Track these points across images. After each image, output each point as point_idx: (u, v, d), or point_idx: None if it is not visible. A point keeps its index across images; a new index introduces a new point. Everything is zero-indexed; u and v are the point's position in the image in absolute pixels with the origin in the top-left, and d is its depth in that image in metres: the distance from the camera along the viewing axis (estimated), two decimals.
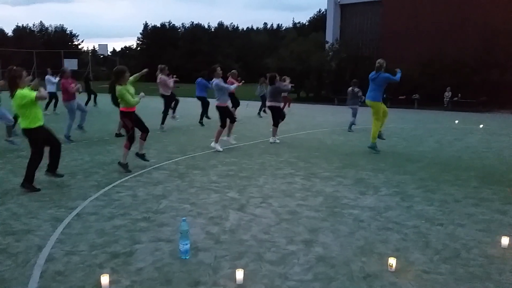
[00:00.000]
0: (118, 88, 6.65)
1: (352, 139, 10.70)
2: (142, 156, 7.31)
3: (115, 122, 13.59)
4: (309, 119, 15.98)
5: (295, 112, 18.41)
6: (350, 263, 3.54)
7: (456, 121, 15.48)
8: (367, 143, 9.95)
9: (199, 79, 13.17)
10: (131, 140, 6.86)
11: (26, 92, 5.47)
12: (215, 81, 8.80)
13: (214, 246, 3.88)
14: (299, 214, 4.78)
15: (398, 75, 8.45)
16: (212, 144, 8.80)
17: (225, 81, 9.83)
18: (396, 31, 24.88)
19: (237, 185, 6.05)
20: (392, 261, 3.42)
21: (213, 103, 9.69)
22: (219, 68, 8.94)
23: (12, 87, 5.51)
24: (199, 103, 13.34)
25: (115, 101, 9.22)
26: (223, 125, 8.82)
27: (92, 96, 19.23)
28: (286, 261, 3.57)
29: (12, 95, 5.52)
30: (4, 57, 43.32)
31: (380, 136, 8.96)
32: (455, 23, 22.98)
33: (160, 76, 11.53)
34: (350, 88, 12.43)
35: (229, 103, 9.34)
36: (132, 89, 6.86)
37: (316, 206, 5.10)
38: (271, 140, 10.03)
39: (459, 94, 22.03)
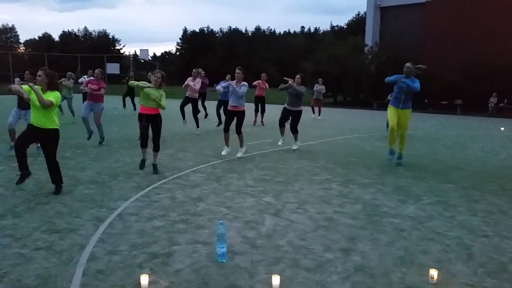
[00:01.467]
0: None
1: None
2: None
3: None
4: (346, 124, 15.77)
5: (331, 117, 18.19)
6: (389, 274, 3.45)
7: (502, 128, 14.83)
8: (407, 150, 9.70)
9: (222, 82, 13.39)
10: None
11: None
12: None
13: (250, 250, 3.89)
14: (337, 221, 4.72)
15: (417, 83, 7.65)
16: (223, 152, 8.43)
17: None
18: (439, 35, 24.18)
19: (273, 189, 6.05)
20: (434, 272, 3.31)
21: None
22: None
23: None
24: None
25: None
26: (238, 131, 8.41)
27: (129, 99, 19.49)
28: (323, 269, 3.52)
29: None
30: (51, 61, 45.36)
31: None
32: (501, 27, 22.08)
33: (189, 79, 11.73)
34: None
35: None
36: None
37: (354, 213, 5.01)
38: (293, 147, 9.57)
39: (505, 100, 21.12)
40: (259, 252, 3.85)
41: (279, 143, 9.69)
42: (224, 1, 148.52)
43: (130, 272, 3.41)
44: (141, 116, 6.90)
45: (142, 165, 6.98)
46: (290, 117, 9.51)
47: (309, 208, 5.19)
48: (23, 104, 8.02)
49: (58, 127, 5.73)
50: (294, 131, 9.49)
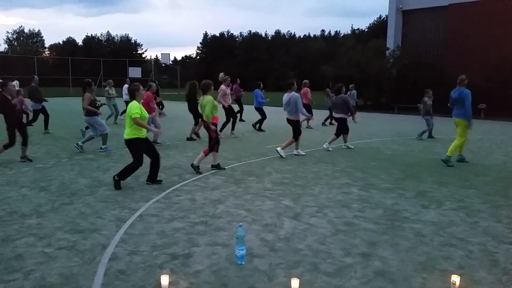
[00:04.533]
0: (208, 98, 7.32)
1: (414, 150, 10.31)
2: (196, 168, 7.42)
3: (175, 128, 14.08)
4: (366, 127, 15.61)
5: (351, 121, 18.04)
6: (410, 279, 3.40)
7: None
8: (429, 154, 9.57)
9: (257, 91, 13.69)
10: (212, 148, 7.42)
11: (135, 106, 6.06)
12: (295, 95, 8.88)
13: (269, 253, 3.89)
14: (357, 226, 4.68)
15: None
16: (278, 149, 8.95)
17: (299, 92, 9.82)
18: (462, 38, 23.74)
19: (291, 193, 6.04)
20: (456, 279, 3.24)
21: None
22: (295, 83, 9.10)
23: (131, 97, 6.23)
24: (256, 112, 13.75)
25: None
26: (295, 137, 9.06)
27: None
28: (343, 274, 3.50)
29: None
30: (74, 65, 46.36)
31: (462, 159, 8.63)
32: None
33: (221, 87, 12.14)
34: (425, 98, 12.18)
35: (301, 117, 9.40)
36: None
37: (375, 218, 4.96)
38: (324, 146, 10.06)
39: None
40: (278, 255, 3.85)
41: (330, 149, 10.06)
42: (244, 5, 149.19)
43: (150, 273, 3.46)
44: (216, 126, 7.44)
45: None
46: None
47: (329, 212, 5.17)
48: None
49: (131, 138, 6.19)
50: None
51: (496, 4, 22.80)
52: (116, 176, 6.11)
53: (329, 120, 16.40)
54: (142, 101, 6.37)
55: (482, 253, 3.95)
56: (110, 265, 3.60)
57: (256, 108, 13.78)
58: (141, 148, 6.18)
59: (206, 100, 7.28)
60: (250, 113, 16.88)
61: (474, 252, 3.98)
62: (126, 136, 6.11)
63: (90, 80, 9.48)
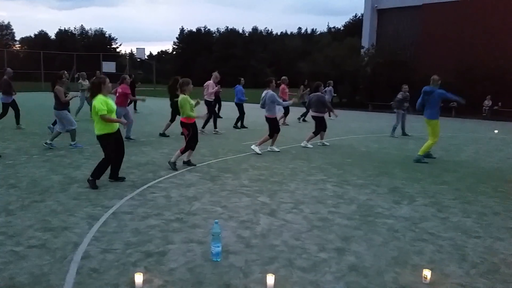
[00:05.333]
0: (182, 96, 7.15)
1: (387, 147, 10.50)
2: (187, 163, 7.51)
3: (151, 124, 13.91)
4: (342, 125, 15.80)
5: (326, 118, 18.22)
6: (383, 274, 3.47)
7: (496, 131, 14.92)
8: (402, 151, 9.76)
9: (238, 86, 13.64)
10: (187, 147, 7.34)
11: (101, 102, 5.86)
12: (269, 92, 8.92)
13: (245, 249, 3.89)
14: (331, 222, 4.73)
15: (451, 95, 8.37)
16: (253, 146, 9.00)
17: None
18: (435, 37, 24.28)
19: (268, 189, 6.05)
20: (427, 273, 3.32)
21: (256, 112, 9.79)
22: (274, 81, 9.18)
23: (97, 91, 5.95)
24: (235, 108, 13.72)
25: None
26: (271, 135, 9.10)
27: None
28: (318, 269, 3.53)
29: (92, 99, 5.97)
30: (47, 59, 45.15)
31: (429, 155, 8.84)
32: (497, 30, 22.21)
33: (210, 82, 12.18)
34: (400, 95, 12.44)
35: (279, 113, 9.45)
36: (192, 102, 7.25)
37: (349, 214, 5.03)
38: (302, 144, 10.10)
39: (500, 103, 21.23)
40: (253, 251, 3.86)
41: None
42: (222, 1, 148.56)
43: (124, 271, 3.41)
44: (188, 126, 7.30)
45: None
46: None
47: (304, 208, 5.21)
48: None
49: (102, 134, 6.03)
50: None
51: (468, 5, 23.41)
52: (90, 177, 5.95)
53: (302, 118, 16.48)
54: (108, 94, 6.10)
55: (452, 248, 4.05)
56: (82, 263, 3.53)
57: (237, 104, 13.72)
58: (112, 143, 6.03)
59: (184, 99, 7.10)
60: (228, 110, 16.84)
61: (444, 246, 4.08)
62: (96, 132, 5.95)
63: (64, 72, 9.26)
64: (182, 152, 7.33)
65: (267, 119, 9.11)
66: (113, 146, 6.06)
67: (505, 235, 4.42)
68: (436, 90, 8.30)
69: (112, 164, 6.19)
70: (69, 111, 9.18)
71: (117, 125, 6.10)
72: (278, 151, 9.24)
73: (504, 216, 5.07)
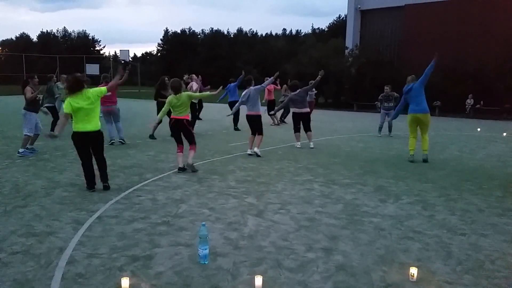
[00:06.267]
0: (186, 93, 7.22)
1: (372, 146, 10.59)
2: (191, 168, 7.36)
3: (136, 126, 13.80)
4: (327, 125, 15.89)
5: (313, 118, 18.30)
6: (370, 272, 3.49)
7: (478, 129, 15.18)
8: (387, 150, 9.86)
9: (232, 85, 13.67)
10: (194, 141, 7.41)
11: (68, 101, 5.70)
12: (250, 89, 8.81)
13: (233, 251, 3.88)
14: (318, 221, 4.75)
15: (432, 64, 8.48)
16: (256, 149, 8.83)
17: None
18: (418, 37, 24.59)
19: (255, 190, 6.05)
20: (414, 271, 3.35)
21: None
22: (252, 80, 9.13)
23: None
24: (225, 108, 13.74)
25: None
26: (260, 132, 8.91)
27: None
28: (305, 269, 3.54)
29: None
30: (29, 62, 44.47)
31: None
32: (477, 29, 22.59)
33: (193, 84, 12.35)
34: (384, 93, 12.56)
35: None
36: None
37: (336, 213, 5.05)
38: (311, 145, 10.10)
39: (482, 102, 21.60)
40: (241, 253, 3.84)
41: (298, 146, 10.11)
42: (206, 2, 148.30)
43: (110, 276, 3.36)
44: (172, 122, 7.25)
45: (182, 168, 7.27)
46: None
47: (291, 208, 5.21)
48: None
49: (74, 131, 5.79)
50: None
51: (450, 5, 23.78)
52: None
53: (282, 119, 16.35)
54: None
55: (438, 245, 4.10)
56: (67, 268, 3.47)
57: (230, 103, 13.69)
58: (80, 143, 5.74)
59: (186, 95, 7.12)
60: (212, 111, 16.80)
61: (430, 244, 4.13)
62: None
63: (33, 75, 9.09)
64: (193, 149, 7.31)
65: (251, 117, 8.87)
66: (81, 148, 5.76)
67: (489, 232, 4.49)
68: (413, 84, 8.39)
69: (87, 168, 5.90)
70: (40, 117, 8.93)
71: (90, 124, 5.73)
72: (251, 154, 8.93)
73: (488, 213, 5.14)
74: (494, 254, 3.90)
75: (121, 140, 10.19)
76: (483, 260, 3.76)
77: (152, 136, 11.08)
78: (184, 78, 12.97)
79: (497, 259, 3.78)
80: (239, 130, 13.29)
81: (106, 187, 5.91)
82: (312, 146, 10.01)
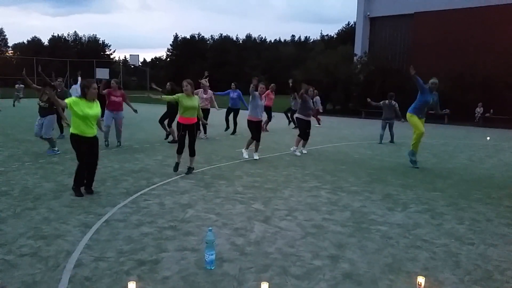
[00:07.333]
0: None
1: (380, 153, 10.54)
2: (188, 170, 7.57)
3: (144, 130, 13.87)
4: (335, 131, 15.86)
5: (321, 124, 18.28)
6: (377, 281, 3.46)
7: (488, 138, 15.05)
8: (395, 158, 9.81)
9: (236, 94, 13.84)
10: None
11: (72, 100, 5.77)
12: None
13: (239, 257, 3.88)
14: (325, 229, 4.73)
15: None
16: (254, 155, 9.06)
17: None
18: (427, 44, 24.53)
19: (262, 196, 6.04)
20: (421, 280, 3.33)
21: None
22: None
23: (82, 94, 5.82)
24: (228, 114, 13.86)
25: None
26: (256, 137, 9.08)
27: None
28: (312, 277, 3.53)
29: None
30: (40, 66, 44.97)
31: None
32: (487, 38, 22.49)
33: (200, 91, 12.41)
34: (386, 101, 12.43)
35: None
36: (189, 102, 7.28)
37: (343, 221, 5.03)
38: (291, 149, 10.17)
39: (491, 110, 21.44)
40: (248, 259, 3.84)
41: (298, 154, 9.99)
42: (216, 8, 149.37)
43: (117, 279, 3.38)
44: (179, 126, 7.36)
45: (176, 167, 7.51)
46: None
47: (298, 215, 5.20)
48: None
49: (71, 133, 5.83)
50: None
51: (459, 13, 23.70)
52: (73, 186, 5.87)
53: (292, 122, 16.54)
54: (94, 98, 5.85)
55: (445, 254, 4.06)
56: (75, 272, 3.49)
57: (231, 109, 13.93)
58: (77, 145, 5.76)
59: (198, 100, 7.47)
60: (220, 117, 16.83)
61: (438, 253, 4.09)
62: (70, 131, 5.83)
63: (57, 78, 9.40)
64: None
65: (253, 122, 9.05)
66: (80, 150, 5.78)
67: (498, 242, 4.44)
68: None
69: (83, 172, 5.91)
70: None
71: (90, 128, 5.79)
72: (247, 158, 9.08)
73: (497, 223, 5.09)
74: (503, 264, 3.86)
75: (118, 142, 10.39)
76: (492, 271, 3.72)
77: (171, 141, 11.11)
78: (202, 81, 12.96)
79: (506, 270, 3.74)
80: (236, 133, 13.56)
81: (90, 193, 5.92)
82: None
